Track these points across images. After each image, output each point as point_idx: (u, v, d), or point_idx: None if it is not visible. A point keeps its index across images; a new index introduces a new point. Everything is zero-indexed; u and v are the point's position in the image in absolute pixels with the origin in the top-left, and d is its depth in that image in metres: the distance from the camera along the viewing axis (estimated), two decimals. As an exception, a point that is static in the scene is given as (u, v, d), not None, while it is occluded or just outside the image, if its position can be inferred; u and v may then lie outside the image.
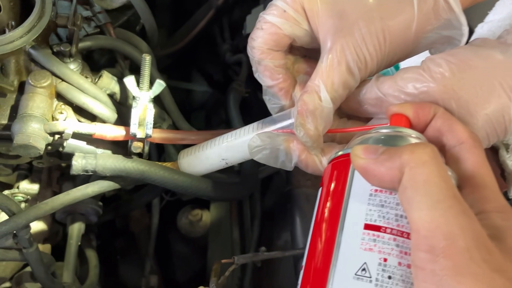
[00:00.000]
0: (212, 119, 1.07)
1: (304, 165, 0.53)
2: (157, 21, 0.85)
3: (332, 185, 0.44)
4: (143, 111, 0.64)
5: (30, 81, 0.63)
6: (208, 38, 1.05)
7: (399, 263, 0.39)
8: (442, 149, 0.45)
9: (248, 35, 0.55)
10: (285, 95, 0.55)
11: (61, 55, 0.67)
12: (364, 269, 0.39)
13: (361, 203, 0.41)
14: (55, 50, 0.67)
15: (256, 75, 0.56)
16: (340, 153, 0.45)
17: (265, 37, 0.53)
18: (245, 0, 1.03)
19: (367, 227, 0.40)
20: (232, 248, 0.90)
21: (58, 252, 0.78)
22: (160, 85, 0.64)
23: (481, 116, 0.46)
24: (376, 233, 0.40)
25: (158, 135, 0.67)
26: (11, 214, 0.62)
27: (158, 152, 0.84)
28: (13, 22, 0.65)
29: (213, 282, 0.62)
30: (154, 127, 0.65)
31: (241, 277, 0.85)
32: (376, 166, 0.40)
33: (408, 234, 0.39)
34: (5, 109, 0.64)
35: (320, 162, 0.52)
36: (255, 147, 0.54)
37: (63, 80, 0.66)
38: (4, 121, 0.64)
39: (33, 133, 0.60)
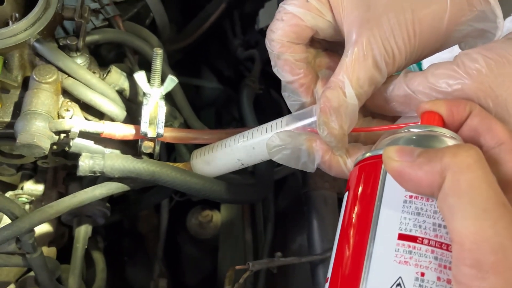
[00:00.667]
0: (223, 117, 1.06)
1: (327, 167, 0.50)
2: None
3: (360, 191, 0.41)
4: (154, 109, 0.62)
5: (34, 76, 0.62)
6: (218, 33, 1.04)
7: (438, 278, 0.36)
8: None
9: (261, 29, 0.52)
10: (306, 91, 0.53)
11: (67, 49, 0.65)
12: (399, 284, 0.36)
13: (394, 211, 0.38)
14: (61, 43, 0.66)
15: (275, 70, 0.53)
16: (368, 154, 0.43)
17: (286, 29, 0.51)
18: (258, -7, 1.01)
19: (402, 237, 0.37)
20: (244, 250, 0.88)
21: (65, 253, 0.76)
22: (172, 81, 0.62)
23: None
24: (412, 244, 0.37)
25: (170, 134, 0.65)
26: (14, 217, 0.61)
27: (168, 151, 0.83)
28: (17, 14, 0.64)
29: (227, 290, 0.60)
30: (165, 126, 0.63)
31: (254, 282, 0.83)
32: (412, 170, 0.37)
33: (448, 245, 0.37)
34: (8, 106, 0.63)
35: (345, 163, 0.49)
36: (275, 147, 0.52)
37: (69, 75, 0.64)
38: (7, 119, 0.62)
39: (38, 132, 0.58)
